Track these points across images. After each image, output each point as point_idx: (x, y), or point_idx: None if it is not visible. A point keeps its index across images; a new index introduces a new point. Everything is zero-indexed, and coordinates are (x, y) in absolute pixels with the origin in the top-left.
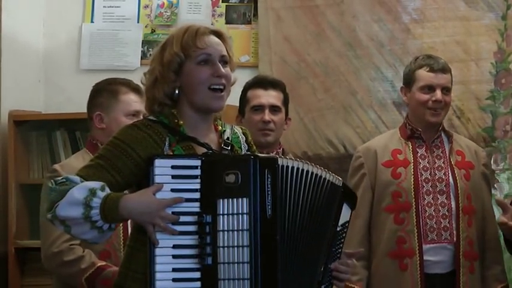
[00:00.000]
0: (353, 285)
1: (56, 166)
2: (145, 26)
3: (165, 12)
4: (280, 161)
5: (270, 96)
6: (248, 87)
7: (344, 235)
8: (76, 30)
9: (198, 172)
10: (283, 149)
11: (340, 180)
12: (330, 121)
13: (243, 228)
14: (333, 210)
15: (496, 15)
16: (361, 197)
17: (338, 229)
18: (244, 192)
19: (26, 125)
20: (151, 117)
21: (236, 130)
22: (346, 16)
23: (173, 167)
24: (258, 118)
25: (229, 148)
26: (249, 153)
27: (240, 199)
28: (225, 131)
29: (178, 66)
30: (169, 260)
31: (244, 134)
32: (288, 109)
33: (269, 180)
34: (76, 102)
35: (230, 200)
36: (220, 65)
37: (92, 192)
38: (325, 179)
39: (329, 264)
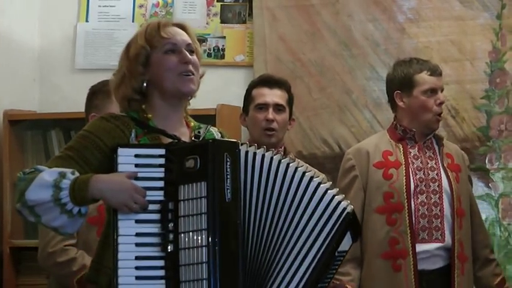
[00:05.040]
0: (346, 286)
1: None
2: (140, 26)
3: (160, 11)
4: (244, 147)
5: (274, 95)
6: (253, 85)
7: (339, 263)
8: (71, 29)
9: (162, 161)
10: (284, 147)
11: (351, 207)
12: (325, 120)
13: (202, 211)
14: (335, 228)
15: (491, 15)
16: (353, 198)
17: (336, 254)
18: (203, 176)
19: (21, 125)
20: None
21: (212, 129)
22: (341, 15)
23: (137, 155)
24: (262, 117)
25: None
26: (209, 138)
27: (199, 183)
28: (199, 127)
29: (145, 58)
30: (132, 248)
31: (220, 133)
32: (292, 109)
33: (228, 164)
34: (71, 102)
35: (190, 185)
36: (186, 52)
37: (62, 175)
38: (317, 181)
39: (320, 283)
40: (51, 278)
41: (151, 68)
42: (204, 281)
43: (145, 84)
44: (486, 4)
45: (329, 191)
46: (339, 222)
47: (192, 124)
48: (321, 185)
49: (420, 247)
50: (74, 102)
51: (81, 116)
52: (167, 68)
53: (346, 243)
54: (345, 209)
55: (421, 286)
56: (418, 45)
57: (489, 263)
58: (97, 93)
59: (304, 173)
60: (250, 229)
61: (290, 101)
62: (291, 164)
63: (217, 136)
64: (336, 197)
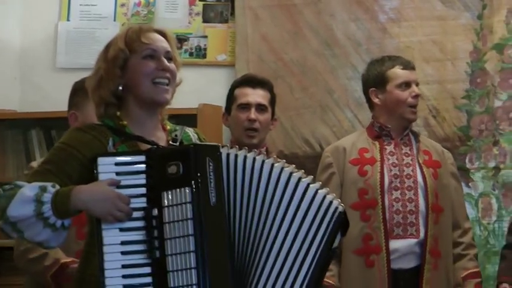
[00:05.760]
0: (326, 280)
1: (33, 163)
2: (122, 25)
3: (142, 10)
4: (225, 150)
5: (257, 95)
6: (236, 85)
7: (331, 260)
8: (52, 28)
9: (142, 168)
10: (267, 148)
11: (342, 205)
12: (307, 120)
13: (187, 217)
14: (328, 226)
15: (472, 15)
16: None
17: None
18: (186, 181)
19: (1, 124)
20: (96, 122)
21: (188, 130)
22: (324, 15)
23: (117, 164)
24: (244, 116)
25: (177, 144)
26: (190, 143)
27: (183, 189)
28: (175, 130)
29: (123, 61)
30: (118, 257)
31: (196, 133)
32: (274, 109)
33: (211, 167)
34: (52, 101)
35: (174, 191)
36: (164, 59)
37: (43, 189)
38: (300, 179)
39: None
40: (26, 277)
41: (128, 72)
42: (194, 286)
43: (121, 88)
44: (467, 4)
45: (319, 191)
46: (333, 222)
47: (169, 127)
48: (311, 185)
49: (395, 243)
50: (55, 101)
51: (62, 115)
52: (143, 73)
53: (336, 240)
54: (337, 208)
55: (398, 285)
56: (399, 45)
57: (461, 257)
58: (77, 91)
59: (291, 173)
60: (237, 232)
61: (272, 101)
62: (275, 165)
63: (194, 137)
64: (328, 196)
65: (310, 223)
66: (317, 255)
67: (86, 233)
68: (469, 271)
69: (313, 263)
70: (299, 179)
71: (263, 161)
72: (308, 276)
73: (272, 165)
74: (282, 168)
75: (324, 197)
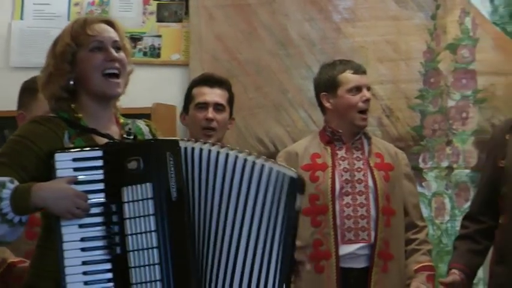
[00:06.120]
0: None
1: None
2: None
3: (96, 10)
4: (182, 143)
5: (214, 94)
6: (194, 84)
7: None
8: (5, 27)
9: (100, 163)
10: None
11: (294, 170)
12: (261, 120)
13: (149, 213)
14: (283, 200)
15: (426, 15)
16: None
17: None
18: (148, 177)
19: None
20: (51, 114)
21: (138, 123)
22: (278, 15)
23: (74, 159)
24: (202, 116)
25: (131, 138)
26: (149, 138)
27: (144, 185)
28: (127, 124)
29: (72, 56)
30: (78, 254)
31: (147, 125)
32: (232, 109)
33: (171, 162)
34: (5, 100)
35: (134, 186)
36: (112, 50)
37: (1, 185)
38: (255, 162)
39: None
40: None
41: (77, 66)
42: (158, 282)
43: (72, 83)
44: (421, 4)
45: (274, 168)
46: (291, 191)
47: (122, 121)
48: (266, 165)
49: (346, 248)
50: (8, 100)
51: (16, 114)
52: (92, 66)
53: (297, 200)
54: (291, 177)
55: (348, 283)
56: (353, 45)
57: (415, 252)
58: (24, 90)
59: (246, 159)
60: (199, 225)
61: (231, 100)
62: (230, 153)
63: (145, 129)
64: (282, 170)
65: (271, 200)
66: (285, 222)
67: (36, 233)
68: (422, 264)
69: (283, 231)
70: (254, 162)
71: (218, 152)
72: (282, 243)
73: (227, 154)
74: (236, 156)
75: (278, 171)
